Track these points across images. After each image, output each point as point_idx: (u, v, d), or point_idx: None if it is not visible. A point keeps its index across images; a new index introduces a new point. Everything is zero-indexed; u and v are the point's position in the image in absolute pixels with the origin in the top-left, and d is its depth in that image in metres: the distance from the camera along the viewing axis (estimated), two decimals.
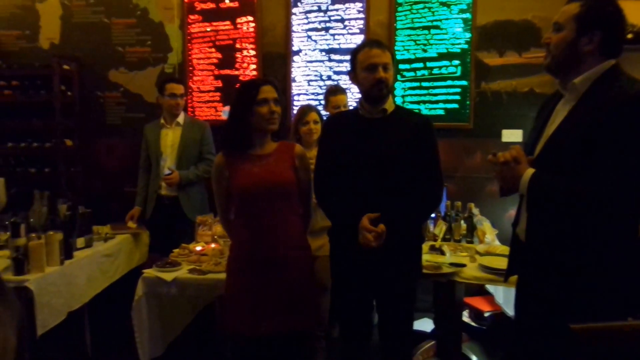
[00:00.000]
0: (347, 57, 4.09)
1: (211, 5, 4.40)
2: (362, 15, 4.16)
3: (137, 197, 3.83)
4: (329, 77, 4.26)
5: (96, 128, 4.63)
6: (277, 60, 4.35)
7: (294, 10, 4.27)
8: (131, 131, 4.46)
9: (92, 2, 4.57)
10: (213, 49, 4.44)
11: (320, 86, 4.26)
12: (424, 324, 3.50)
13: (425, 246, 2.85)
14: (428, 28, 4.07)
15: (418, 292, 2.30)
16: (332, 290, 2.39)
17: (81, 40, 4.60)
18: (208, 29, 4.43)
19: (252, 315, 2.19)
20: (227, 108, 4.38)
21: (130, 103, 4.59)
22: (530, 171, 1.69)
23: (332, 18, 4.22)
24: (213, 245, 3.03)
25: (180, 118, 3.77)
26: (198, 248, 3.01)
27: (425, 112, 4.07)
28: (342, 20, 4.20)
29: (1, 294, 0.81)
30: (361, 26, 4.17)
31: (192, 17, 4.45)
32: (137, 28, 4.53)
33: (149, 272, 2.70)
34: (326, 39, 4.25)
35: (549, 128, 1.76)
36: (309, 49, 4.28)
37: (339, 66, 4.23)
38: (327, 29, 4.24)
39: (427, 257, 2.69)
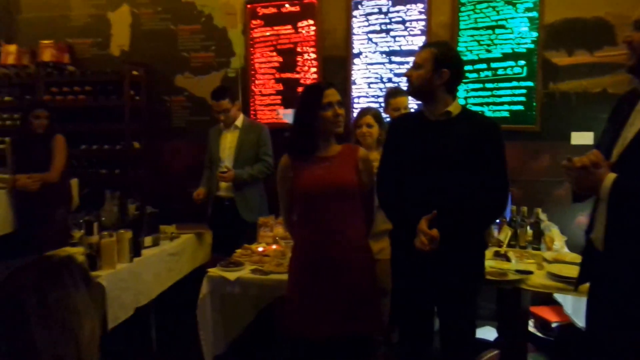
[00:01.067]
0: (408, 59, 4.10)
1: (273, 10, 4.47)
2: (423, 17, 4.10)
3: (202, 179, 3.95)
4: (390, 80, 4.22)
5: (162, 131, 4.81)
6: (337, 63, 4.36)
7: (355, 13, 4.27)
8: (195, 134, 4.60)
9: (160, 10, 4.76)
10: (274, 53, 4.51)
11: (380, 89, 4.24)
12: (487, 333, 3.41)
13: (489, 252, 2.78)
14: (492, 28, 3.96)
15: (481, 299, 2.23)
16: (392, 294, 2.36)
17: (149, 46, 4.81)
18: (269, 34, 4.50)
19: (312, 317, 2.19)
20: (287, 111, 4.44)
21: (194, 107, 4.75)
22: (612, 176, 1.59)
23: (393, 20, 4.18)
24: (274, 247, 3.07)
25: (239, 121, 3.85)
26: (260, 249, 3.06)
27: (488, 114, 3.96)
28: (403, 22, 4.16)
29: (90, 288, 0.86)
30: (422, 27, 4.11)
31: (254, 22, 4.53)
32: (201, 34, 4.67)
33: (213, 271, 2.77)
34: (387, 41, 4.22)
35: (628, 130, 1.67)
36: (370, 52, 4.27)
37: (399, 68, 4.19)
38: (387, 31, 4.21)
39: (491, 263, 2.61)
